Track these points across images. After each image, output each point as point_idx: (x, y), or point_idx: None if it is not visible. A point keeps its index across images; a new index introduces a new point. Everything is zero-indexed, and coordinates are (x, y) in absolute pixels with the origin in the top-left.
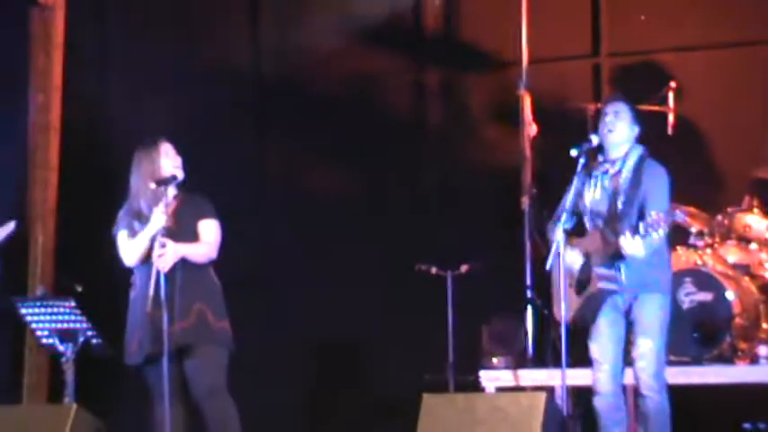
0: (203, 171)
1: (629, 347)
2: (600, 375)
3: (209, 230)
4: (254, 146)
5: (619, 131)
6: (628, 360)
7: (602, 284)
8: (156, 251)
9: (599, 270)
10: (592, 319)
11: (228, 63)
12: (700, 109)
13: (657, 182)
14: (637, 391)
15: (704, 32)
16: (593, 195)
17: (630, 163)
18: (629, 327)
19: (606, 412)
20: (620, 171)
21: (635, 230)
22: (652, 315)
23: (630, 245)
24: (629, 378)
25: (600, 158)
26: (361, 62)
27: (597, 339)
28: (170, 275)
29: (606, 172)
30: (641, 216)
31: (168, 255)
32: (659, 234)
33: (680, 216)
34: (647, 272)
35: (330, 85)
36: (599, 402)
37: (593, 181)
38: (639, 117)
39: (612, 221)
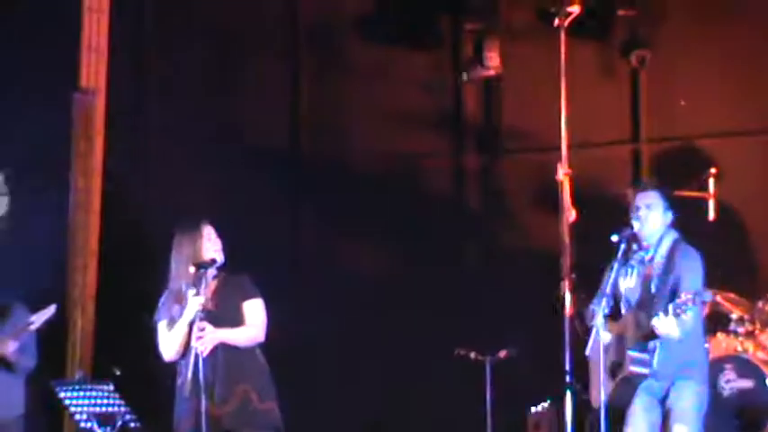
0: (239, 250)
1: None
2: None
3: (256, 312)
4: (291, 226)
5: (651, 223)
6: None
7: (633, 368)
8: (195, 334)
9: (631, 353)
10: (625, 404)
11: (267, 144)
12: (740, 195)
13: (690, 265)
14: None
15: (744, 118)
16: (628, 283)
17: (664, 249)
18: (666, 414)
19: None
20: (653, 258)
21: (666, 311)
22: (688, 402)
23: (663, 324)
24: None
25: (635, 247)
26: (401, 143)
27: (632, 425)
28: (212, 358)
29: (642, 260)
30: (674, 299)
31: (206, 339)
32: (689, 315)
33: (709, 297)
34: (683, 358)
35: (369, 165)
36: None
37: (629, 270)
38: (672, 203)
39: (645, 305)
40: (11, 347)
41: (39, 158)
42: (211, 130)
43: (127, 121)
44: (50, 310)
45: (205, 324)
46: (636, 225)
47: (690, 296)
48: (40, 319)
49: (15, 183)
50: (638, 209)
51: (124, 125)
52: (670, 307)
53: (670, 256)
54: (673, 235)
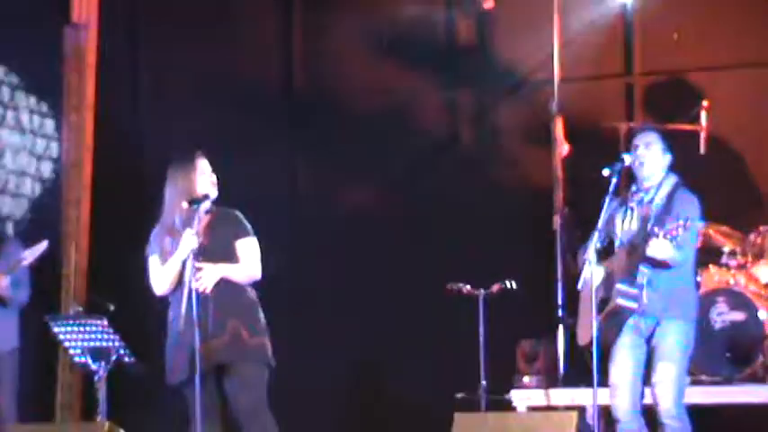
0: (234, 185)
1: (650, 371)
2: (617, 402)
3: (250, 250)
4: (285, 161)
5: (650, 163)
6: (648, 383)
7: (620, 300)
8: (188, 272)
9: (619, 286)
10: (612, 340)
11: (260, 78)
12: (732, 128)
13: (688, 208)
14: (657, 418)
15: (737, 51)
16: (628, 225)
17: (664, 192)
18: (651, 352)
19: None
20: (652, 199)
21: (658, 235)
22: (673, 341)
23: (657, 247)
24: (650, 400)
25: (633, 188)
26: (394, 79)
27: (616, 362)
28: (203, 294)
29: (641, 201)
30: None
31: (206, 277)
32: (681, 240)
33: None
34: (670, 297)
35: (362, 100)
36: (621, 430)
37: (628, 212)
38: (671, 145)
39: (640, 243)
40: (3, 283)
41: (31, 93)
42: (204, 66)
43: (119, 54)
44: (42, 246)
45: (204, 264)
46: (628, 159)
47: (681, 222)
48: (32, 254)
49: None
50: (636, 147)
51: (116, 58)
52: (662, 232)
53: (669, 199)
54: (673, 179)
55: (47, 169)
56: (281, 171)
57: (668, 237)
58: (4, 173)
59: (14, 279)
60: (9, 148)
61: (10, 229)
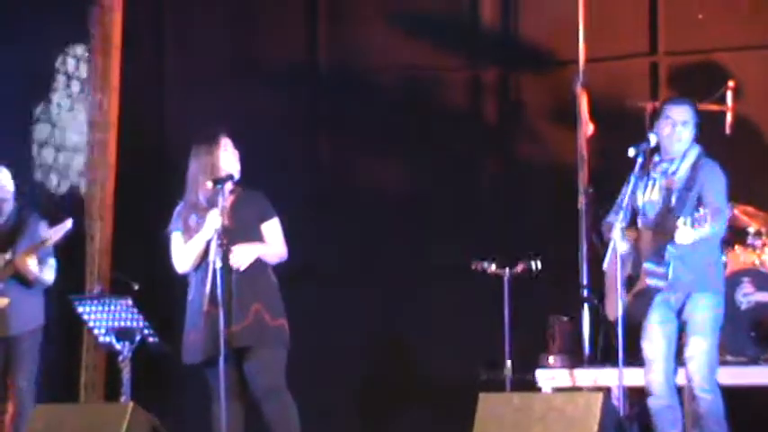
0: (258, 166)
1: (683, 347)
2: (652, 376)
3: (276, 231)
4: (309, 140)
5: (685, 138)
6: (681, 360)
7: (649, 280)
8: (212, 252)
9: (646, 266)
10: (641, 317)
11: (284, 58)
12: (758, 108)
13: (713, 180)
14: (690, 393)
15: (763, 31)
16: (649, 195)
17: (688, 162)
18: (682, 326)
19: (661, 413)
20: (676, 170)
21: (686, 221)
22: (704, 314)
23: (683, 235)
24: (682, 378)
25: (656, 158)
26: (418, 57)
27: (649, 338)
28: (227, 275)
29: (665, 172)
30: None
31: (242, 256)
32: (706, 229)
33: (730, 212)
34: (699, 271)
35: (386, 79)
36: (653, 403)
37: (650, 182)
38: (699, 116)
39: (664, 217)
40: (31, 262)
41: (56, 74)
42: (229, 46)
43: (144, 36)
44: (66, 225)
45: (239, 247)
46: (653, 139)
47: (706, 213)
48: (56, 233)
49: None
50: (673, 124)
51: (142, 40)
52: (688, 219)
53: (693, 170)
54: (696, 149)
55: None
56: (305, 148)
57: (696, 225)
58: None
59: (39, 259)
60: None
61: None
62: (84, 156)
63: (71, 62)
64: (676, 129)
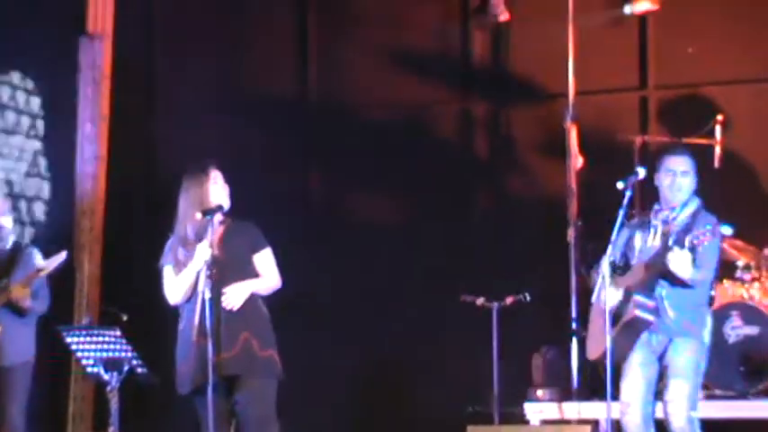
0: (248, 198)
1: (662, 388)
2: (628, 418)
3: (269, 262)
4: (299, 173)
5: (685, 190)
6: (660, 397)
7: (637, 312)
8: (202, 283)
9: (636, 297)
10: (625, 353)
11: (275, 91)
12: (747, 142)
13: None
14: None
15: (752, 65)
16: (651, 243)
17: (688, 211)
18: (663, 369)
19: None
20: (676, 217)
21: (683, 244)
22: (686, 358)
23: (677, 259)
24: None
25: (656, 207)
26: (409, 92)
27: (627, 379)
28: (217, 305)
29: (666, 220)
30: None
31: (235, 296)
32: (704, 252)
33: (729, 231)
34: (684, 315)
35: (377, 113)
36: None
37: (651, 230)
38: (698, 167)
39: (661, 254)
40: (24, 293)
41: (45, 104)
42: (219, 76)
43: (134, 66)
44: (61, 256)
45: (232, 287)
46: (642, 173)
47: (709, 227)
48: (51, 264)
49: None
50: (673, 174)
51: (131, 70)
52: (687, 238)
53: (693, 217)
54: (696, 201)
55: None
56: (295, 181)
57: (695, 241)
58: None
59: (33, 290)
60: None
61: (27, 237)
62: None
63: (6, 90)
64: (677, 180)
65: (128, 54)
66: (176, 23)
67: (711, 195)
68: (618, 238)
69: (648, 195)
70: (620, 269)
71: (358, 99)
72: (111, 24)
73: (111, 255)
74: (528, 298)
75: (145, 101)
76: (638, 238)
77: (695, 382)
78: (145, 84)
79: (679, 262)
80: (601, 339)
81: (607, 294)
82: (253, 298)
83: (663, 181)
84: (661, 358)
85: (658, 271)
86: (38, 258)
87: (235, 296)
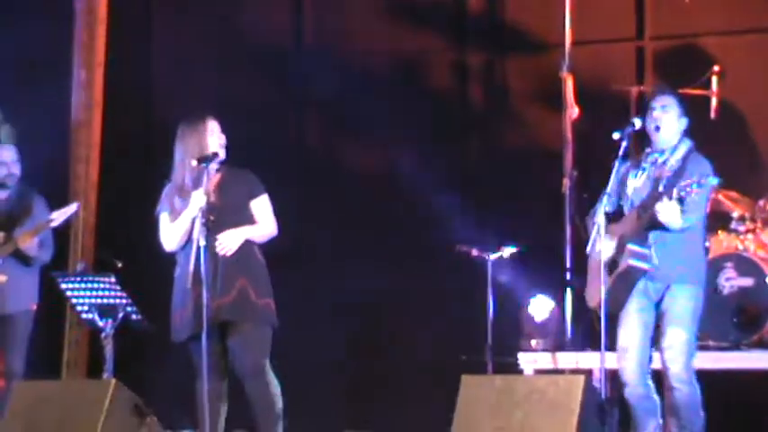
0: (242, 145)
1: (659, 336)
2: (626, 364)
3: (266, 208)
4: (295, 122)
5: (666, 127)
6: (657, 347)
7: (632, 261)
8: (197, 230)
9: (630, 246)
10: (622, 301)
11: (271, 40)
12: (743, 93)
13: (702, 173)
14: (665, 383)
15: (748, 16)
16: (636, 183)
17: (678, 154)
18: (660, 316)
19: (637, 403)
20: (666, 161)
21: (671, 195)
22: (683, 305)
23: (665, 209)
24: (658, 363)
25: (647, 149)
26: (404, 41)
27: (625, 325)
28: (213, 252)
29: (655, 162)
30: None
31: (230, 241)
32: (693, 201)
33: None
34: (681, 261)
35: (372, 62)
36: (629, 393)
37: (640, 172)
38: (687, 109)
39: (651, 201)
40: (33, 242)
41: (41, 51)
42: (215, 23)
43: (130, 11)
44: (72, 208)
45: (226, 233)
46: (638, 123)
47: (695, 178)
48: (60, 216)
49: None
50: (652, 110)
51: (128, 16)
52: (674, 190)
53: (683, 162)
54: (687, 143)
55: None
56: (288, 129)
57: (682, 193)
58: None
59: (40, 239)
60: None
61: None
62: None
63: None
64: (655, 113)
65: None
66: None
67: (707, 146)
68: (615, 185)
69: (644, 146)
70: (615, 215)
71: (353, 47)
72: None
73: (106, 202)
74: (522, 248)
75: (141, 48)
76: (630, 182)
77: (692, 330)
78: (141, 31)
79: (668, 213)
80: (599, 288)
81: (602, 244)
82: (249, 246)
83: (648, 122)
84: (658, 304)
85: (649, 220)
86: (43, 207)
87: (229, 241)
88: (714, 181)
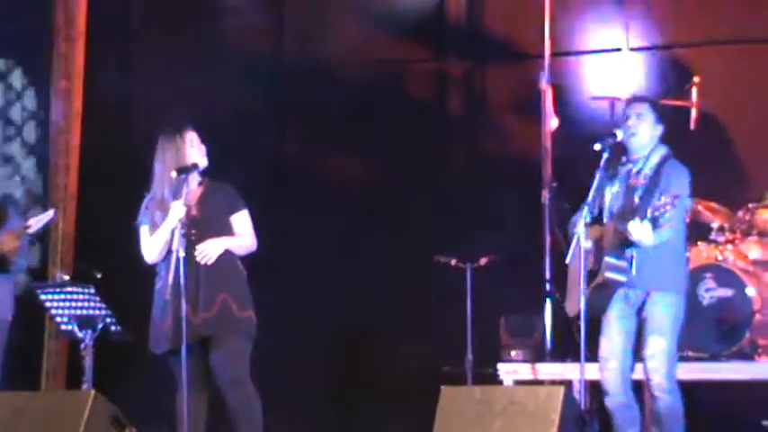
0: (224, 158)
1: (641, 345)
2: (606, 374)
3: (246, 222)
4: (274, 133)
5: (641, 134)
6: (639, 356)
7: (609, 274)
8: (176, 242)
9: (607, 260)
10: (600, 311)
11: (250, 49)
12: (723, 104)
13: (676, 180)
14: (649, 390)
15: (728, 27)
16: (612, 191)
17: (653, 162)
18: (641, 324)
19: (618, 412)
20: (641, 170)
21: (644, 215)
22: (664, 314)
23: (637, 230)
24: (640, 373)
25: (623, 159)
26: (384, 50)
27: (606, 335)
28: (193, 264)
29: (629, 172)
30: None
31: (210, 250)
32: (666, 221)
33: (690, 203)
34: (660, 269)
35: (352, 72)
36: (610, 402)
37: (616, 180)
38: (663, 116)
39: (627, 215)
40: (16, 249)
41: (20, 59)
42: (195, 33)
43: (109, 22)
44: (49, 214)
45: (207, 242)
46: (620, 134)
47: (668, 199)
48: (38, 222)
49: None
50: (627, 118)
51: (107, 26)
52: (648, 210)
53: (658, 170)
54: (663, 150)
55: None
56: (268, 139)
57: (656, 213)
58: None
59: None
60: None
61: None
62: None
63: None
64: (630, 122)
65: (102, 10)
66: None
67: (686, 157)
68: (594, 195)
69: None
70: (593, 223)
71: (332, 57)
72: None
73: (86, 212)
74: (501, 258)
75: (121, 58)
76: (606, 190)
77: (673, 338)
78: (121, 41)
79: (639, 233)
80: (578, 298)
81: (582, 254)
82: (231, 257)
83: (624, 131)
84: (639, 312)
85: (623, 238)
86: (20, 218)
87: (209, 249)
88: (688, 202)
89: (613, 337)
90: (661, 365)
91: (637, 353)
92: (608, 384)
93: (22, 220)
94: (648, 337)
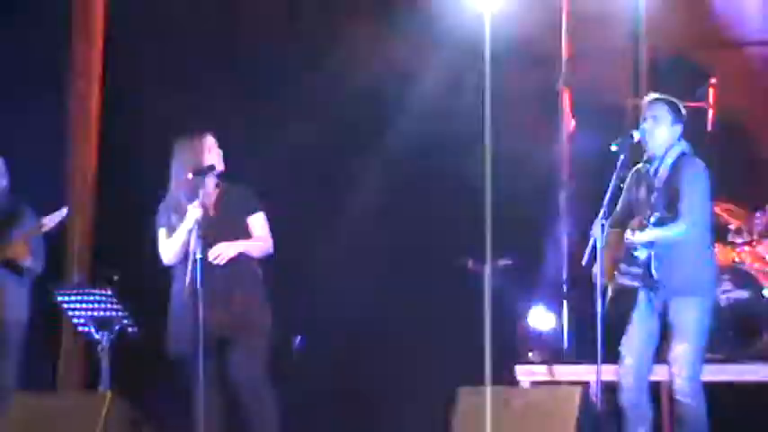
0: (237, 157)
1: (665, 347)
2: (623, 371)
3: (262, 224)
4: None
5: (658, 136)
6: (662, 356)
7: (622, 280)
8: (193, 243)
9: (621, 265)
10: (620, 315)
11: (269, 48)
12: (739, 105)
13: (693, 178)
14: (670, 392)
15: (747, 28)
16: (637, 195)
17: (669, 160)
18: (666, 328)
19: (630, 408)
20: (657, 169)
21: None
22: (689, 318)
23: (641, 239)
24: (661, 374)
25: (645, 158)
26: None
27: (628, 332)
28: (210, 266)
29: (648, 171)
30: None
31: (224, 252)
32: (669, 230)
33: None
34: (682, 273)
35: (362, 80)
36: (623, 398)
37: (634, 182)
38: (681, 115)
39: (644, 216)
40: (26, 254)
41: (37, 62)
42: (214, 32)
43: (127, 24)
44: (62, 212)
45: (221, 244)
46: (636, 135)
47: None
48: (52, 221)
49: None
50: (644, 120)
51: (125, 28)
52: (652, 218)
53: (674, 169)
54: (680, 147)
55: None
56: (281, 145)
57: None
58: None
59: (32, 249)
60: None
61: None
62: None
63: None
64: (646, 124)
65: (120, 11)
66: None
67: (703, 158)
68: (611, 196)
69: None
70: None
71: (347, 66)
72: None
73: (103, 213)
74: (519, 261)
75: (137, 58)
76: (633, 190)
77: (697, 342)
78: (139, 43)
79: (640, 240)
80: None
81: (599, 255)
82: (247, 260)
83: (642, 133)
84: (663, 315)
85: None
86: (32, 216)
87: (223, 251)
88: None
89: (634, 337)
90: (682, 369)
91: (660, 355)
92: (622, 380)
93: (38, 219)
94: (673, 340)
